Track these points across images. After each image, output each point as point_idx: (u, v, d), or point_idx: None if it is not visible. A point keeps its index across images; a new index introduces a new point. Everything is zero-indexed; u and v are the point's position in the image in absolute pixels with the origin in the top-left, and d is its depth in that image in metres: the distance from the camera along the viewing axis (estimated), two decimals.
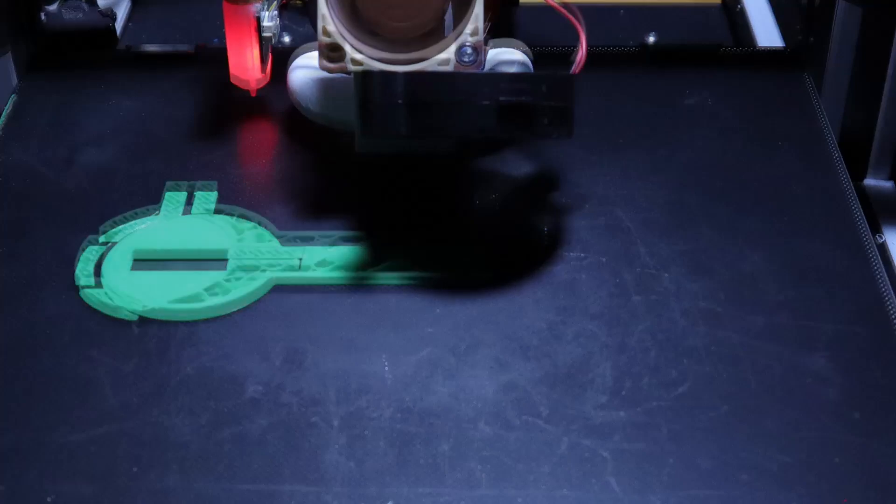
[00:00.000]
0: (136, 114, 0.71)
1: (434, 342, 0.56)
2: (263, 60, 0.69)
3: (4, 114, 0.72)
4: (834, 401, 0.53)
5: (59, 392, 0.54)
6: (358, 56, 0.59)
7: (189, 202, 0.64)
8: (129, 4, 0.94)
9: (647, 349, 0.56)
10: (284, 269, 0.60)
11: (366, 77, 0.55)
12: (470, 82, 0.55)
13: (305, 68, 0.66)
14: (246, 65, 0.68)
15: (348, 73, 0.60)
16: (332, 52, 0.59)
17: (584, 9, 0.94)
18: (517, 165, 0.67)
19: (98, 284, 0.59)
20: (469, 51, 0.59)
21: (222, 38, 0.87)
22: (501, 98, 0.54)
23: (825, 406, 0.53)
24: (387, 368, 0.55)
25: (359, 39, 0.59)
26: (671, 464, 0.51)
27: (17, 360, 0.56)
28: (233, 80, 0.69)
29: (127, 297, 0.58)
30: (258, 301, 0.58)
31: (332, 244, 0.61)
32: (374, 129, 0.56)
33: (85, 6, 0.81)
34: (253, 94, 0.70)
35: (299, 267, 0.60)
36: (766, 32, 0.89)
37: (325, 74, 0.62)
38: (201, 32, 0.89)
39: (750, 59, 0.78)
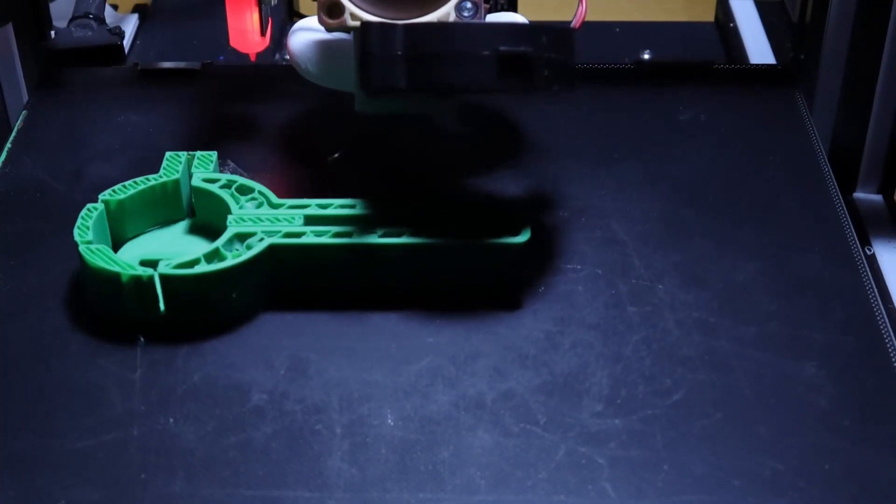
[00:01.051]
0: (143, 129, 0.72)
1: (434, 352, 0.56)
2: (263, 25, 0.68)
3: (15, 128, 0.72)
4: (824, 408, 0.54)
5: (69, 400, 0.54)
6: (358, 12, 0.58)
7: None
8: (137, 22, 0.94)
9: (642, 358, 0.56)
10: (283, 236, 0.58)
11: (365, 29, 0.54)
12: (469, 32, 0.54)
13: (306, 30, 0.64)
14: (245, 28, 0.67)
15: (348, 30, 0.59)
16: (332, 10, 0.58)
17: (581, 26, 0.95)
18: (516, 177, 0.67)
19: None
20: (469, 5, 0.58)
21: (228, 55, 0.88)
22: (501, 48, 0.53)
23: (816, 414, 0.53)
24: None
25: (360, 3, 0.58)
26: (666, 470, 0.51)
27: (28, 369, 0.56)
28: (232, 45, 0.68)
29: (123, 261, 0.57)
30: (262, 312, 0.58)
31: (332, 210, 0.60)
32: (373, 83, 0.54)
33: (94, 24, 0.82)
34: (253, 59, 0.70)
35: (298, 234, 0.58)
36: (759, 50, 0.89)
37: (324, 36, 0.61)
38: (207, 50, 0.89)
39: (742, 75, 0.78)
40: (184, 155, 0.63)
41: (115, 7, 0.98)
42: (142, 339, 0.57)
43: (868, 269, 0.61)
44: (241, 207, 0.60)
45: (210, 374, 0.55)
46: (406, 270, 0.59)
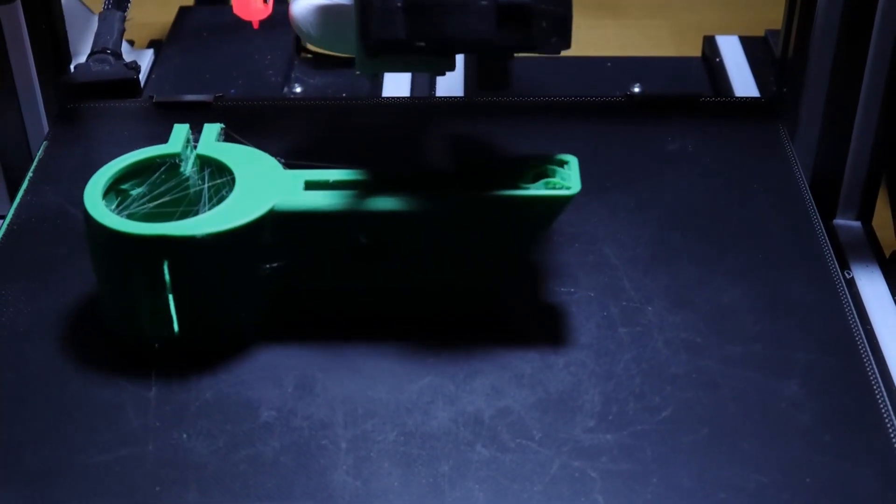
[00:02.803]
0: None
1: (435, 371, 0.57)
2: None
3: (36, 159, 0.72)
4: (806, 424, 0.54)
5: (87, 416, 0.54)
6: None
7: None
8: (152, 57, 0.95)
9: (632, 377, 0.56)
10: (286, 193, 0.57)
11: None
12: None
13: None
14: None
15: None
16: None
17: (574, 61, 0.96)
18: None
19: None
20: None
21: (239, 88, 0.88)
22: None
23: (798, 429, 0.53)
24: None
25: None
26: (655, 483, 0.51)
27: (49, 387, 0.56)
28: (236, 12, 0.67)
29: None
30: (272, 331, 0.58)
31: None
32: (372, 34, 0.53)
33: (111, 59, 0.82)
34: (256, 27, 0.68)
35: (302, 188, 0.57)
36: (743, 83, 0.89)
37: (325, 1, 0.61)
38: (218, 84, 0.89)
39: (728, 108, 0.78)
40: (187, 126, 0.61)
41: (131, 43, 0.98)
42: (157, 345, 0.57)
43: (847, 292, 0.61)
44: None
45: (221, 392, 0.55)
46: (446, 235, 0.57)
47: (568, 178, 0.56)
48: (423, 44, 0.53)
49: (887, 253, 0.77)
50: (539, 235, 0.60)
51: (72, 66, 0.81)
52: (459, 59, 0.87)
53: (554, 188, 0.56)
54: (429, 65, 0.61)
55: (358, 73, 0.60)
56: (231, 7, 0.99)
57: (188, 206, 0.59)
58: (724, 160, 0.71)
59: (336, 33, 0.63)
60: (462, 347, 0.58)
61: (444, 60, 0.60)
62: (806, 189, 0.69)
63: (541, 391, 0.55)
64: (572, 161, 0.57)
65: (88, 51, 0.82)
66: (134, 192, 0.59)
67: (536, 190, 0.56)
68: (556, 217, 0.57)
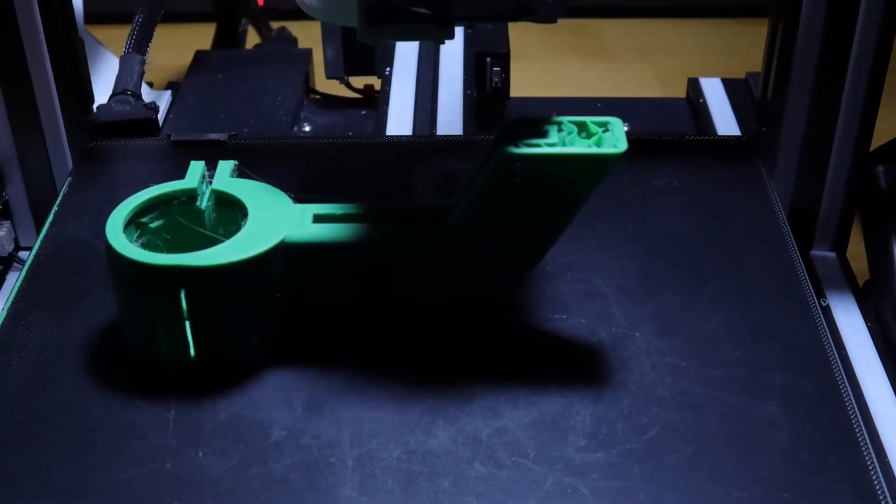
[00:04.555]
0: None
1: (435, 393, 0.57)
2: None
3: (61, 194, 0.73)
4: (784, 443, 0.54)
5: (110, 435, 0.54)
6: None
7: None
8: (170, 98, 0.95)
9: (620, 399, 0.56)
10: (296, 226, 0.57)
11: None
12: None
13: None
14: None
15: None
16: None
17: (566, 102, 0.96)
18: None
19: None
20: None
21: (251, 127, 0.89)
22: None
23: (776, 448, 0.54)
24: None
25: None
26: (642, 498, 0.51)
27: (74, 408, 0.56)
28: None
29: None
30: (282, 356, 0.58)
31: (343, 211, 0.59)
32: None
33: (131, 100, 0.82)
34: (260, 4, 0.66)
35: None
36: (725, 123, 0.90)
37: None
38: (232, 123, 0.90)
39: (711, 146, 0.78)
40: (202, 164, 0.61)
41: (150, 84, 0.99)
42: (174, 369, 0.57)
43: (823, 320, 0.62)
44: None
45: (235, 413, 0.56)
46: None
47: (613, 139, 0.54)
48: (421, 9, 0.52)
49: (861, 282, 0.77)
50: (577, 207, 0.55)
51: (94, 107, 0.81)
52: (458, 100, 0.87)
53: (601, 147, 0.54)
54: (428, 34, 0.58)
55: (360, 40, 0.58)
56: (244, 51, 1.00)
57: (204, 239, 0.59)
58: (708, 195, 0.72)
59: (337, 3, 0.61)
60: (461, 371, 0.58)
61: (443, 29, 0.57)
62: (784, 222, 0.69)
63: (535, 412, 0.56)
64: (615, 122, 0.55)
65: (110, 92, 0.83)
66: (153, 226, 0.60)
67: (588, 147, 0.54)
68: (600, 182, 0.54)
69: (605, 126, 0.55)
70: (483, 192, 0.55)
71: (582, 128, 0.55)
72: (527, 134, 0.54)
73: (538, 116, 0.55)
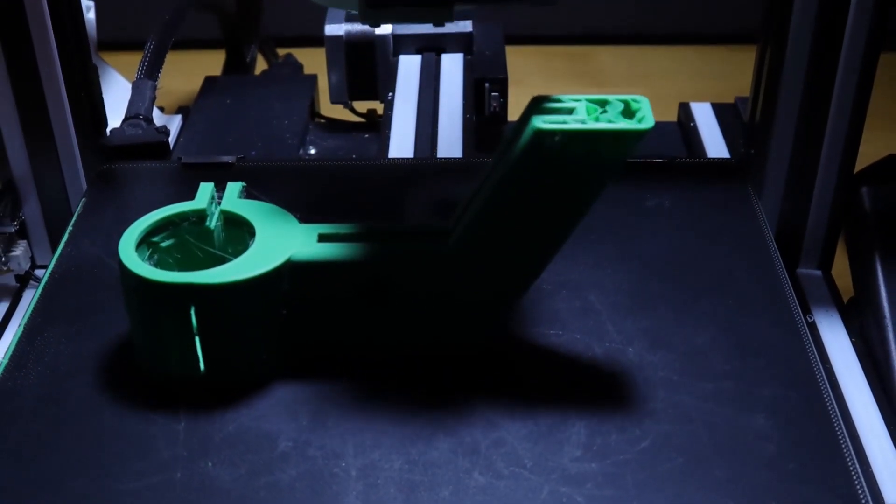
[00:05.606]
0: None
1: (436, 406, 0.57)
2: None
3: (76, 214, 0.73)
4: (772, 453, 0.54)
5: (122, 446, 0.55)
6: None
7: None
8: (180, 122, 0.95)
9: (614, 411, 0.56)
10: (301, 245, 0.57)
11: None
12: None
13: None
14: None
15: None
16: None
17: None
18: None
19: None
20: None
21: (259, 150, 0.89)
22: None
23: (764, 458, 0.54)
24: None
25: None
26: None
27: (87, 420, 0.56)
28: None
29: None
30: (289, 370, 0.59)
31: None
32: None
33: (143, 124, 0.82)
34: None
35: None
36: (715, 146, 0.90)
37: None
38: (240, 146, 0.90)
39: (701, 168, 0.78)
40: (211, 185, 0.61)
41: (161, 109, 0.99)
42: (184, 383, 0.57)
43: (809, 335, 0.62)
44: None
45: (243, 425, 0.56)
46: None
47: (640, 115, 0.52)
48: None
49: (845, 299, 0.77)
50: (602, 186, 0.54)
51: (108, 130, 0.82)
52: (458, 124, 0.88)
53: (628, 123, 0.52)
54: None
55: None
56: (251, 77, 1.01)
57: (213, 258, 0.60)
58: (698, 215, 0.72)
59: None
60: (460, 384, 0.58)
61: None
62: (771, 241, 0.69)
63: (532, 424, 0.56)
64: (642, 99, 0.53)
65: (123, 116, 0.83)
66: (164, 245, 0.60)
67: (618, 123, 0.52)
68: (621, 166, 0.53)
69: (630, 103, 0.53)
70: (505, 178, 0.53)
71: (607, 105, 0.53)
72: (553, 111, 0.52)
73: (561, 96, 0.53)
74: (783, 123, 0.75)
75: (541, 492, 0.52)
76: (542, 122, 0.51)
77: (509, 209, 0.55)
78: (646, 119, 0.52)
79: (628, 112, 0.52)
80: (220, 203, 0.61)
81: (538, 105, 0.53)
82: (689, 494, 0.52)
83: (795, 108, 0.74)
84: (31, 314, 0.63)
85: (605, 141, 0.51)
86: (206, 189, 0.61)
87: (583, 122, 0.51)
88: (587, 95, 0.53)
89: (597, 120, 0.52)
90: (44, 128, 0.77)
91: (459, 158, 0.83)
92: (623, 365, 0.59)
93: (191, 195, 0.61)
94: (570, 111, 0.52)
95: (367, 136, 0.99)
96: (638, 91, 1.39)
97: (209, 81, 1.03)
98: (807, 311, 0.75)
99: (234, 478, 0.53)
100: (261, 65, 1.22)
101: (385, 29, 0.96)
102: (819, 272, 0.79)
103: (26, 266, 0.80)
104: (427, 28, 0.97)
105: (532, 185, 0.53)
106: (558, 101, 0.53)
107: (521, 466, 0.53)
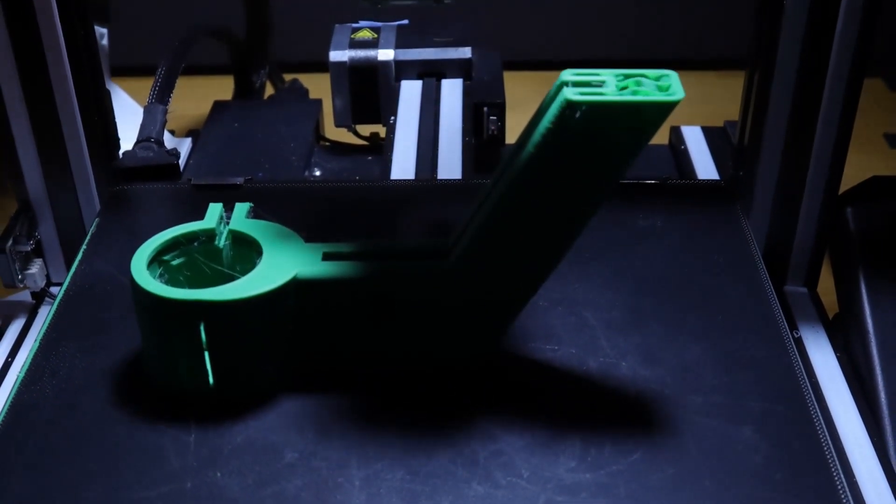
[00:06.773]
0: None
1: (436, 418, 0.57)
2: None
3: (90, 233, 0.73)
4: (759, 465, 0.54)
5: (134, 457, 0.55)
6: None
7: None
8: (190, 145, 0.96)
9: (608, 423, 0.57)
10: (307, 263, 0.57)
11: None
12: None
13: None
14: None
15: None
16: None
17: None
18: None
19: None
20: None
21: (266, 172, 0.90)
22: None
23: (752, 469, 0.54)
24: None
25: None
26: None
27: (101, 432, 0.56)
28: None
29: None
30: (295, 384, 0.59)
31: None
32: None
33: (155, 147, 0.83)
34: None
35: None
36: (705, 168, 0.90)
37: None
38: (248, 168, 0.90)
39: (691, 190, 0.78)
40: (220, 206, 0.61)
41: (172, 132, 1.00)
42: (195, 396, 0.57)
43: (795, 350, 0.62)
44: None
45: (251, 437, 0.56)
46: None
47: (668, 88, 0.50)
48: None
49: (830, 315, 0.77)
50: (631, 158, 0.52)
51: (120, 153, 0.82)
52: (457, 146, 0.88)
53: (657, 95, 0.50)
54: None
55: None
56: (259, 101, 1.01)
57: (222, 275, 0.60)
58: (688, 235, 0.72)
59: None
60: (460, 398, 0.58)
61: None
62: (759, 259, 0.69)
63: (528, 436, 0.56)
64: (671, 73, 0.51)
65: (135, 139, 0.84)
66: (175, 263, 0.60)
67: (650, 95, 0.50)
68: (655, 131, 0.51)
69: (659, 77, 0.51)
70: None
71: (636, 78, 0.51)
72: (584, 84, 0.50)
73: (590, 70, 0.51)
74: (771, 146, 0.75)
75: (537, 501, 0.52)
76: (573, 94, 0.49)
77: (520, 209, 0.53)
78: (675, 91, 0.50)
79: (656, 86, 0.50)
80: (228, 223, 0.61)
81: (568, 78, 0.51)
82: None
83: (782, 131, 0.74)
84: (46, 330, 0.63)
85: (638, 112, 0.49)
86: (214, 209, 0.62)
87: (614, 94, 0.49)
88: (620, 70, 0.51)
89: (632, 93, 0.50)
90: (59, 150, 0.77)
91: (459, 180, 0.83)
92: (617, 379, 0.59)
93: (200, 215, 0.61)
94: (600, 83, 0.50)
95: (370, 158, 0.99)
96: None
97: (218, 106, 1.04)
98: (793, 327, 0.75)
99: (242, 487, 0.53)
100: (267, 89, 1.22)
101: (387, 55, 0.97)
102: (805, 289, 0.79)
103: (42, 283, 0.80)
104: (428, 54, 0.97)
105: (554, 167, 0.51)
106: (588, 74, 0.51)
107: (519, 477, 0.53)
